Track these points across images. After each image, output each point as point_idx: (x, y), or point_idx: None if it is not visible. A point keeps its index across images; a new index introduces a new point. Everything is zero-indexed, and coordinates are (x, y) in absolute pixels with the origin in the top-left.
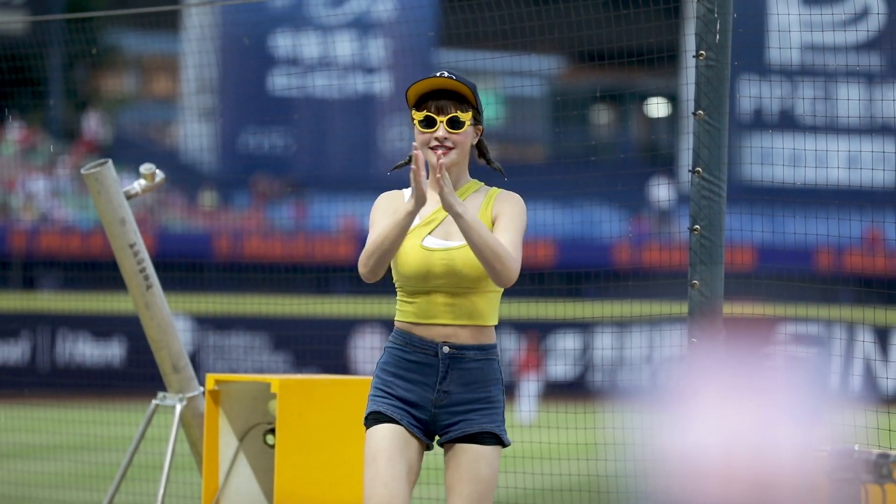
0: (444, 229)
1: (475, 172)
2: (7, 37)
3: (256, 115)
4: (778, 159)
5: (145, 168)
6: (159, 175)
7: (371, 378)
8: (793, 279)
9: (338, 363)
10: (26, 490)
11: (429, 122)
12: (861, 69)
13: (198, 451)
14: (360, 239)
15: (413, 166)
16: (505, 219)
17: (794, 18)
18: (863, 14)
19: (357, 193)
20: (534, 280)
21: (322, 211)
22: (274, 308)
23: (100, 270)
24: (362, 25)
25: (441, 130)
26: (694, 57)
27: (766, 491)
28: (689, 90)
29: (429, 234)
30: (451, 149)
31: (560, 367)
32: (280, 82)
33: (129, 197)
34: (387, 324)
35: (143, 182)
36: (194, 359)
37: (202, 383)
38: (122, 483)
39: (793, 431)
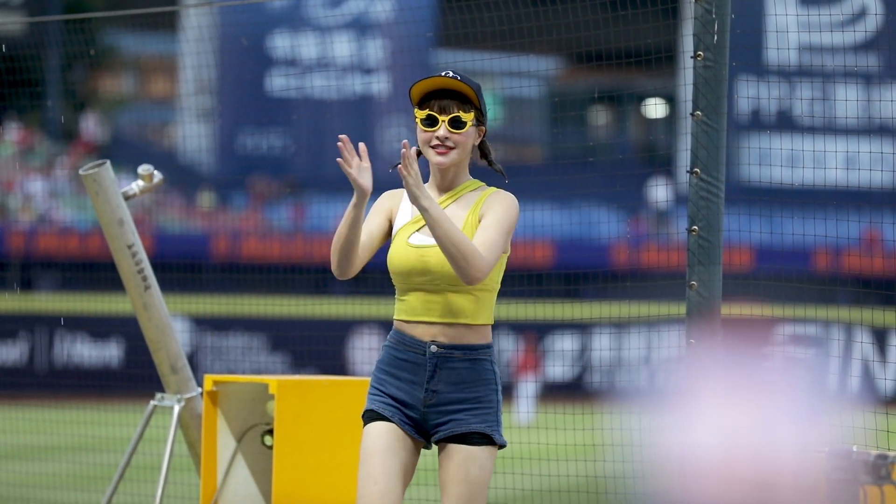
0: None
1: (477, 174)
2: (5, 38)
3: (255, 115)
4: (776, 160)
5: (143, 169)
6: (157, 176)
7: (369, 378)
8: (791, 280)
9: (336, 364)
10: (24, 491)
11: (431, 121)
12: (859, 70)
13: (196, 452)
14: None
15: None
16: (489, 217)
17: (791, 19)
18: (860, 15)
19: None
20: (532, 281)
21: (320, 212)
22: (272, 309)
23: (98, 271)
24: (360, 26)
25: (442, 130)
26: (692, 58)
27: (765, 492)
28: (686, 91)
29: (417, 230)
30: (451, 148)
31: (558, 368)
32: (278, 83)
33: (127, 198)
34: (385, 325)
35: (141, 183)
36: (192, 360)
37: (200, 384)
38: (120, 484)
39: (791, 432)
